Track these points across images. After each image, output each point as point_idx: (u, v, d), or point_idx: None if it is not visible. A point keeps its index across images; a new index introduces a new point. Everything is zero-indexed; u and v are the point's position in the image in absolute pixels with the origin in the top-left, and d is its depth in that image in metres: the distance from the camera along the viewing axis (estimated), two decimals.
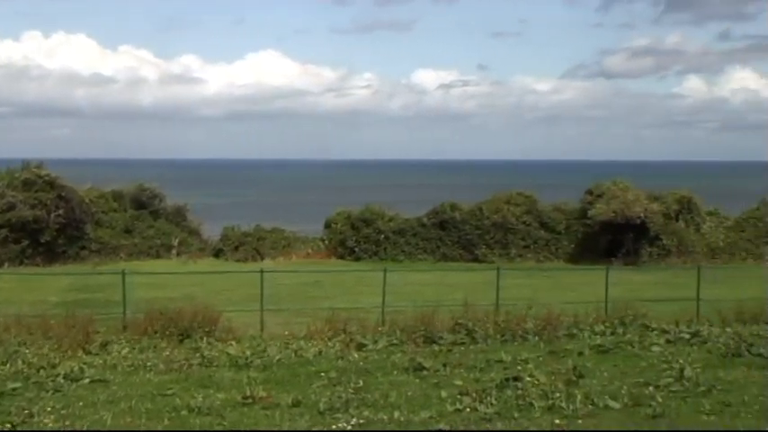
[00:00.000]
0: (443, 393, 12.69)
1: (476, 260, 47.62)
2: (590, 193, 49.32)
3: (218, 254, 48.59)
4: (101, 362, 16.58)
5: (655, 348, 17.03)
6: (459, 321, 20.44)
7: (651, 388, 12.56)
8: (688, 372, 13.26)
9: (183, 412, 12.02)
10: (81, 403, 12.60)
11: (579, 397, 11.88)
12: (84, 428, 11.20)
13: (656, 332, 19.37)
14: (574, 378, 13.65)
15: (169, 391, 13.50)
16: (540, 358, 16.28)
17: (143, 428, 11.23)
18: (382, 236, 48.98)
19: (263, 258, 46.91)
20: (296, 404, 12.42)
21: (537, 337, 19.51)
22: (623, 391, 12.36)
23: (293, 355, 17.26)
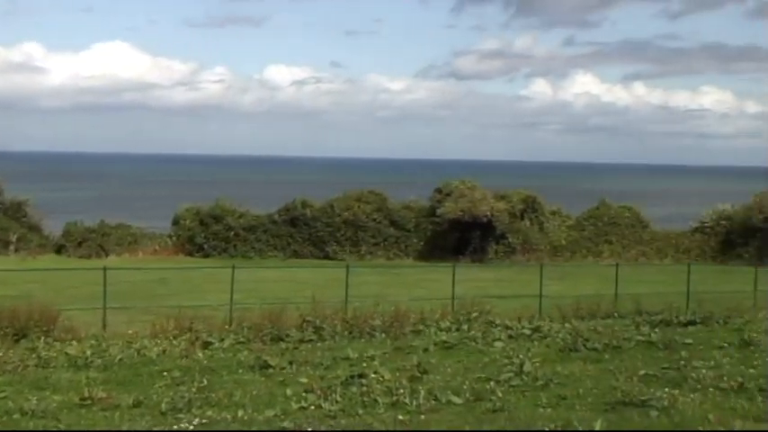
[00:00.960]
0: (288, 391, 12.60)
1: (326, 257, 47.74)
2: (439, 191, 50.25)
3: (59, 250, 46.94)
4: None
5: (497, 344, 17.44)
6: (308, 319, 20.38)
7: (492, 383, 12.83)
8: (527, 366, 13.62)
9: (16, 416, 11.49)
10: None
11: (423, 393, 12.01)
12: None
13: (499, 328, 19.82)
14: (418, 374, 13.82)
15: (1, 394, 12.89)
16: (386, 355, 16.42)
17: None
18: (232, 232, 48.44)
19: (107, 255, 45.59)
20: (137, 405, 12.07)
21: (384, 334, 19.66)
22: (465, 387, 12.58)
23: (136, 354, 16.79)
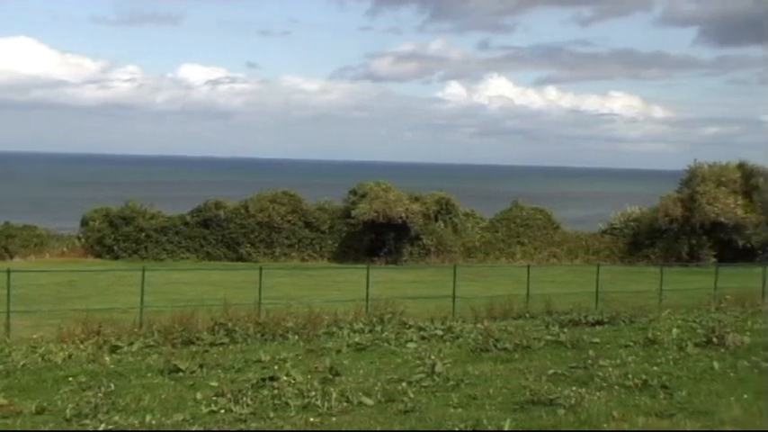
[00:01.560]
0: (198, 395, 12.43)
1: (240, 259, 47.32)
2: (353, 193, 50.25)
3: None
4: None
5: (410, 345, 17.52)
6: (219, 321, 20.15)
7: (404, 384, 12.88)
8: (439, 367, 13.71)
9: None
10: None
11: (334, 395, 11.99)
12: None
13: (412, 329, 19.91)
14: (330, 376, 13.79)
15: None
16: (299, 357, 16.35)
17: None
18: (143, 234, 47.62)
19: (12, 257, 44.33)
20: (40, 411, 11.77)
21: (297, 336, 19.56)
22: (377, 388, 12.60)
23: (40, 359, 16.36)
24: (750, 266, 40.13)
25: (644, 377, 12.60)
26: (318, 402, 11.66)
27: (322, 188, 71.16)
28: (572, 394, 11.29)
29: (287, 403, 11.72)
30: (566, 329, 19.01)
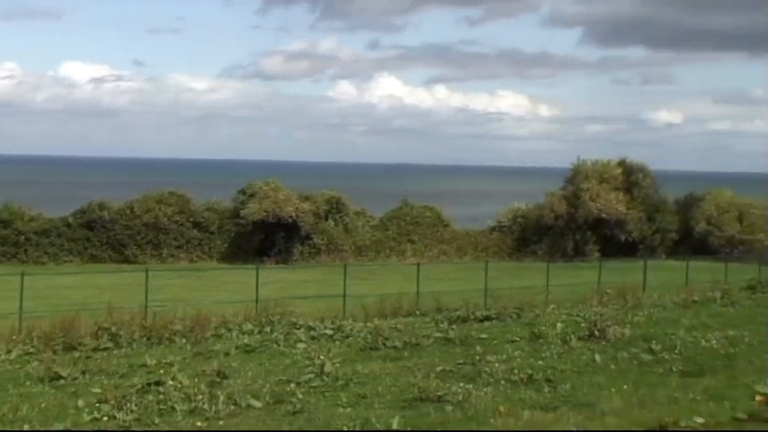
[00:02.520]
0: (81, 402, 12.05)
1: (126, 261, 46.28)
2: (243, 192, 49.78)
3: None
4: None
5: (300, 345, 17.42)
6: (103, 326, 19.61)
7: (293, 384, 12.78)
8: (328, 367, 13.65)
9: None
10: None
11: (222, 398, 11.80)
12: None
13: (302, 329, 19.79)
14: (218, 379, 13.58)
15: None
16: (186, 360, 16.06)
17: None
18: (22, 237, 46.07)
19: None
20: None
21: (184, 339, 19.21)
22: (266, 390, 12.47)
23: None
24: (632, 261, 41.43)
25: (529, 371, 12.83)
26: (205, 406, 11.45)
27: (211, 188, 70.20)
28: (460, 390, 11.40)
29: (173, 408, 11.47)
30: (454, 326, 19.22)
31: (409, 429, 9.74)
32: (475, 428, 9.76)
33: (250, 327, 20.56)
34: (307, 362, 14.70)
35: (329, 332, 19.12)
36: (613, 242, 50.50)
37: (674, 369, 13.14)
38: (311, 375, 13.38)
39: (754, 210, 52.92)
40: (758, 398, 10.29)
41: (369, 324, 20.26)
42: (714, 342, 15.37)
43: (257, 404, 11.68)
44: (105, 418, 11.17)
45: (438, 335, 17.61)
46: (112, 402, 11.79)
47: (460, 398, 11.05)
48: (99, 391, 12.85)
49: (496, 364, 13.58)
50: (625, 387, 11.75)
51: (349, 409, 11.10)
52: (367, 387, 12.56)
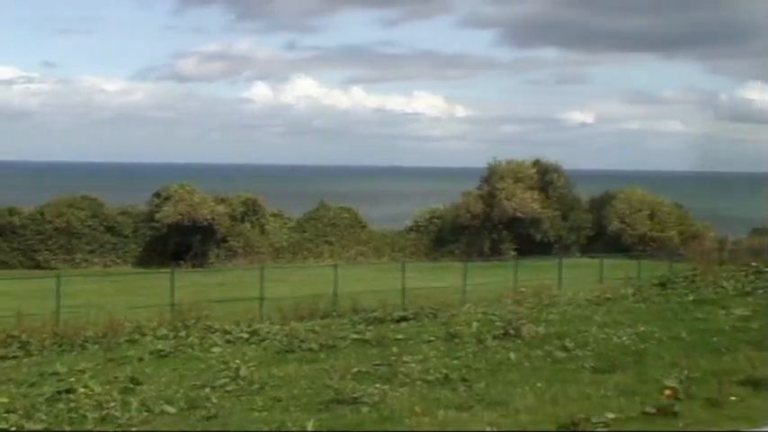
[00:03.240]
0: None
1: (38, 267, 45.22)
2: (157, 195, 49.07)
3: None
4: None
5: (215, 349, 17.24)
6: (12, 334, 19.14)
7: (208, 389, 12.64)
8: (243, 371, 13.54)
9: None
10: None
11: (135, 404, 11.62)
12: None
13: (217, 333, 19.59)
14: (131, 386, 13.37)
15: None
16: (99, 367, 15.76)
17: None
18: None
19: None
20: None
21: (97, 345, 18.86)
22: (180, 395, 12.31)
23: None
24: (547, 259, 42.10)
25: (445, 371, 12.92)
26: (117, 413, 11.25)
27: (125, 191, 69.04)
28: (375, 392, 11.42)
29: (84, 416, 11.24)
30: (371, 327, 19.25)
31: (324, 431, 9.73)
32: (390, 429, 9.79)
33: (164, 331, 20.27)
34: (222, 366, 14.55)
35: (245, 335, 18.96)
36: (529, 241, 51.22)
37: (587, 366, 13.37)
38: (226, 380, 13.25)
39: (665, 207, 54.32)
40: (667, 392, 10.56)
41: (285, 327, 20.14)
42: (625, 338, 15.70)
43: (171, 410, 11.52)
44: (13, 429, 10.88)
45: (355, 336, 17.59)
46: (20, 412, 11.50)
47: (376, 399, 11.06)
48: (6, 400, 12.52)
49: (412, 365, 13.63)
50: (539, 384, 11.92)
51: (264, 413, 11.03)
52: (282, 390, 12.50)
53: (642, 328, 16.73)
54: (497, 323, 18.18)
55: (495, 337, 16.45)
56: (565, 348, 14.79)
